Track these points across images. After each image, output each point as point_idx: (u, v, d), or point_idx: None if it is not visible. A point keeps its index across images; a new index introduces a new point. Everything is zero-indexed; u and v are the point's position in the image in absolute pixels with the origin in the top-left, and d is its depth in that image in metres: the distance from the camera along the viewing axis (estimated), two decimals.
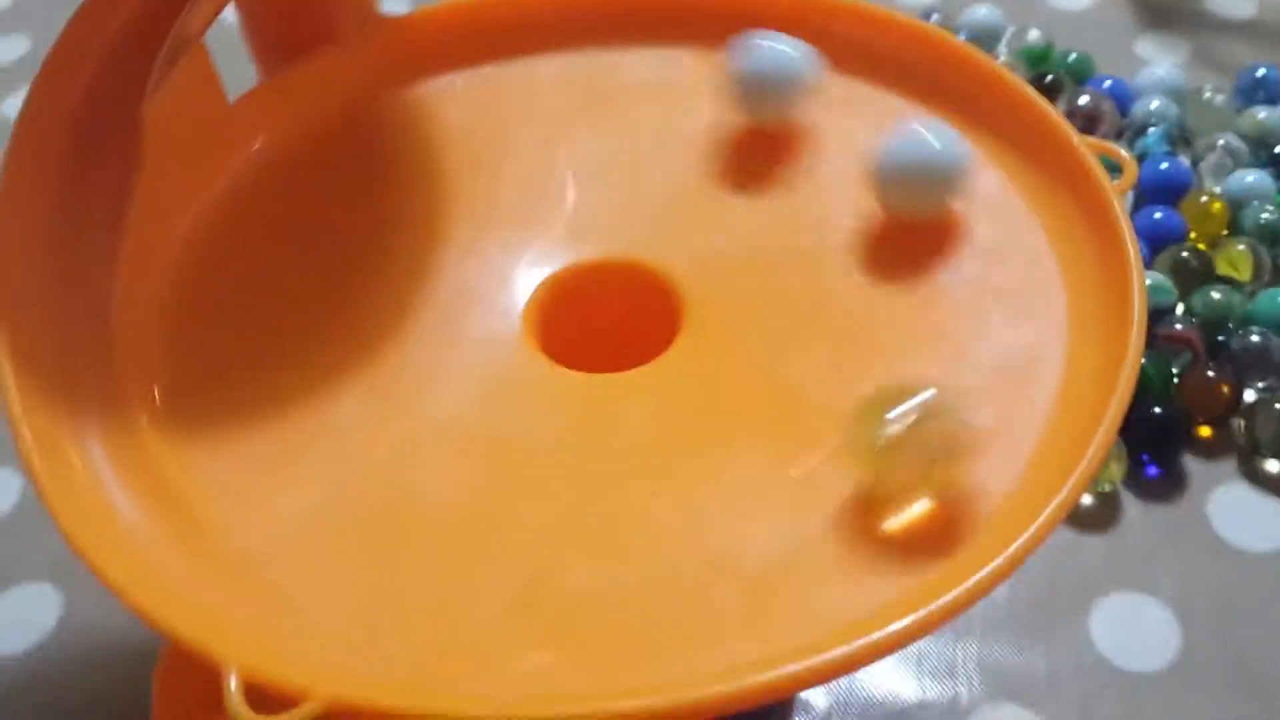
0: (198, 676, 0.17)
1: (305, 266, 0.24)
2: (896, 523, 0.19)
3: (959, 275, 0.22)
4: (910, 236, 0.23)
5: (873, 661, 0.17)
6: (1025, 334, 0.21)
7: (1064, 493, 0.18)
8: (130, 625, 0.18)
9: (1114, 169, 0.22)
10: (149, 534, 0.19)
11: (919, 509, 0.19)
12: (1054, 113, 0.23)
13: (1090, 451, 0.18)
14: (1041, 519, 0.17)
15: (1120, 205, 0.20)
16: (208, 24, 0.25)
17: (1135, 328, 0.19)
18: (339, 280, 0.24)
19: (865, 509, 0.19)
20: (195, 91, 0.24)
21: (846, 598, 0.18)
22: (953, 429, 0.19)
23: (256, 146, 0.26)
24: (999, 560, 0.17)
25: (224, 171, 0.25)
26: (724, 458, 0.20)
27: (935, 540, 0.18)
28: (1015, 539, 0.17)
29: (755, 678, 0.16)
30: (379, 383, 0.22)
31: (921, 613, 0.17)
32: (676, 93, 0.26)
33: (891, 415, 0.18)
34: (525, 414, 0.22)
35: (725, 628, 0.18)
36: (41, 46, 0.23)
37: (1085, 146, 0.22)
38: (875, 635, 0.17)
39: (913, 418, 0.18)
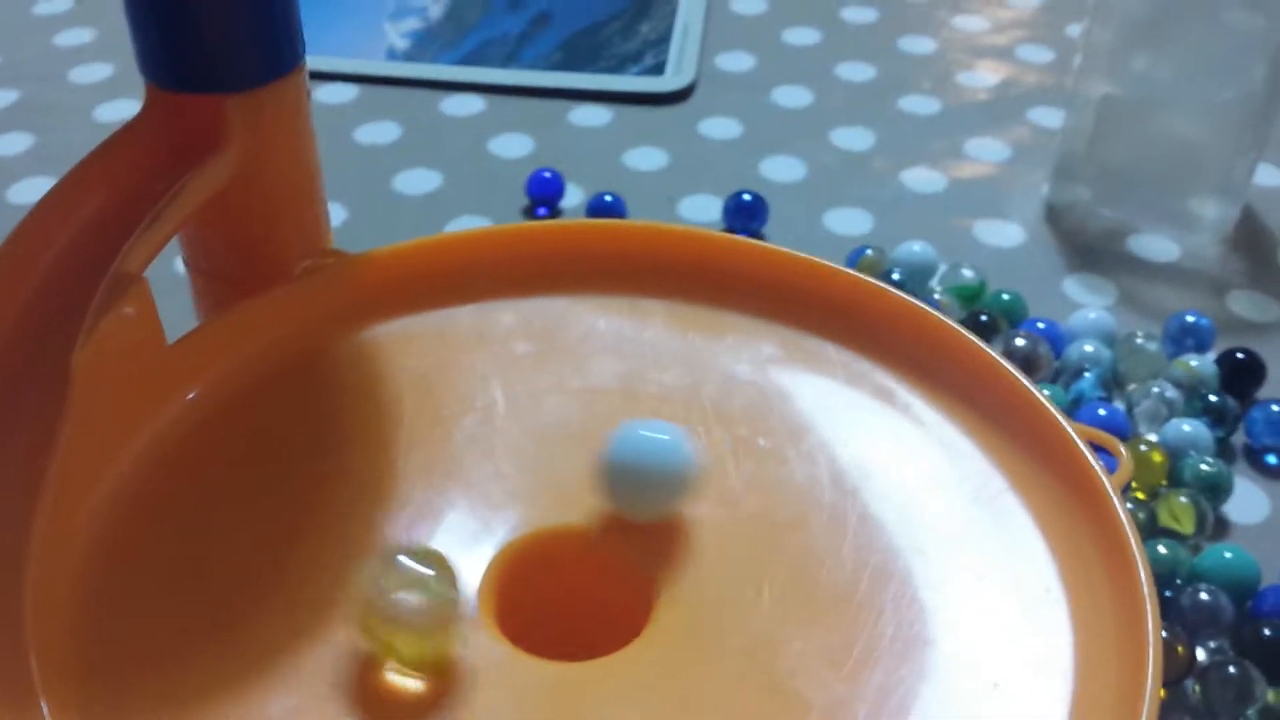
0: None
1: (240, 535, 0.22)
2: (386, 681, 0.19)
3: (953, 573, 0.21)
4: (895, 516, 0.22)
5: None
6: (1028, 648, 0.20)
7: None
8: None
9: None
10: None
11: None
12: (1053, 406, 0.22)
13: None
14: None
15: (1124, 507, 0.20)
16: (150, 258, 0.23)
17: (1150, 682, 0.18)
18: (277, 550, 0.22)
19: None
20: (132, 334, 0.22)
21: None
22: (434, 605, 0.19)
23: (192, 395, 0.24)
24: None
25: (155, 424, 0.23)
26: None
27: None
28: None
29: None
30: (319, 670, 0.20)
31: None
32: (641, 345, 0.25)
33: (384, 576, 0.19)
34: (482, 709, 0.20)
35: None
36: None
37: (1080, 436, 0.21)
38: None
39: (400, 584, 0.19)
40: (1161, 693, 0.30)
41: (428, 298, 0.26)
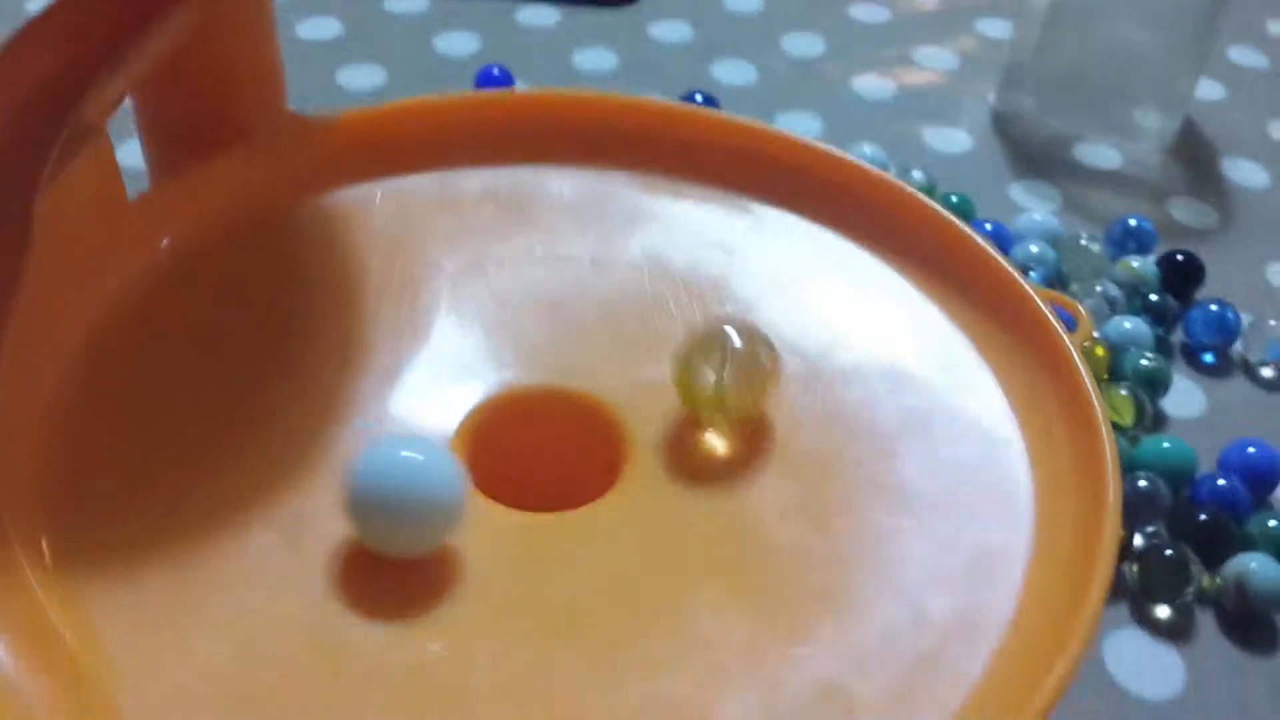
0: None
1: (209, 386, 0.22)
2: (718, 442, 0.21)
3: (918, 426, 0.22)
4: (862, 378, 0.22)
5: None
6: (991, 494, 0.21)
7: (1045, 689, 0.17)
8: None
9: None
10: (35, 696, 0.17)
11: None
12: (1013, 269, 0.23)
13: (1075, 635, 0.17)
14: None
15: (1083, 361, 0.20)
16: (110, 110, 0.23)
17: (1110, 513, 0.18)
18: (247, 403, 0.22)
19: None
20: (93, 186, 0.22)
21: None
22: (760, 351, 0.21)
23: (156, 250, 0.23)
24: None
25: (118, 277, 0.23)
26: (688, 612, 0.19)
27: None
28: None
29: None
30: (293, 520, 0.20)
31: None
32: (608, 215, 0.25)
33: (713, 360, 0.21)
34: (460, 555, 0.20)
35: None
36: None
37: (1041, 298, 0.21)
38: None
39: (730, 355, 0.21)
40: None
41: (394, 163, 0.26)
